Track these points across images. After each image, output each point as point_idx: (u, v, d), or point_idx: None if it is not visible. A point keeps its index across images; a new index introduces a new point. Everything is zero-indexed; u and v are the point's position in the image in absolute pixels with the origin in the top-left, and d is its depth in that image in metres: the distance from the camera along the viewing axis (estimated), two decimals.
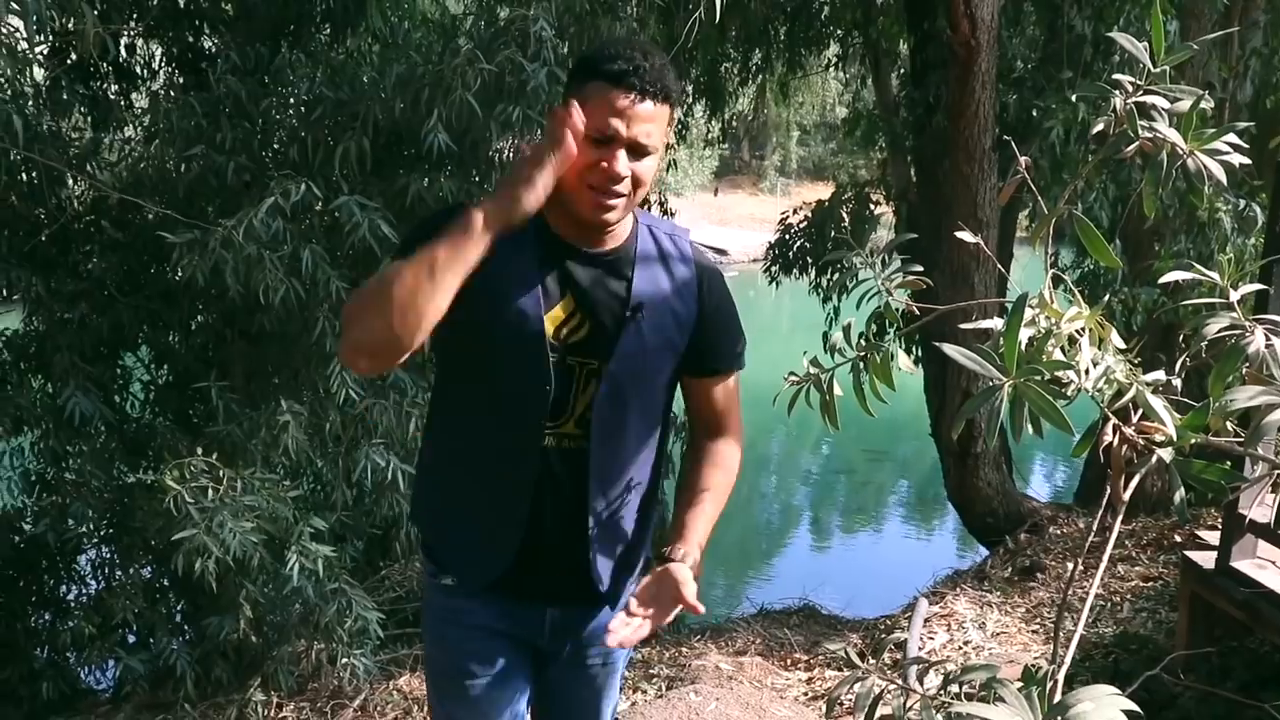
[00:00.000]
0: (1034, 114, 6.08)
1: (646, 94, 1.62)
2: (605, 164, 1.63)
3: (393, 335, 1.56)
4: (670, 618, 1.69)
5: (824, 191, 8.69)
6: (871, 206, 8.09)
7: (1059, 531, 6.17)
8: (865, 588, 7.54)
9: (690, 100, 9.31)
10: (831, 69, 10.82)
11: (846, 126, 10.00)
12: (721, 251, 27.15)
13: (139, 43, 4.86)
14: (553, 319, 1.74)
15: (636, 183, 1.67)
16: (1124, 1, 5.92)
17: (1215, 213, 5.46)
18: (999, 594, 5.17)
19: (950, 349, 1.16)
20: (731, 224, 29.07)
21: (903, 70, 8.20)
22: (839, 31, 8.90)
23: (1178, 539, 5.17)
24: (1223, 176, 1.19)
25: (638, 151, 1.65)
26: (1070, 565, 4.23)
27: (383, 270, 1.64)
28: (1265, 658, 3.36)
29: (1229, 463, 1.94)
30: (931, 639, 4.49)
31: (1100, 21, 6.01)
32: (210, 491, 3.70)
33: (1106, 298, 1.76)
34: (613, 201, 1.66)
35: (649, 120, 1.64)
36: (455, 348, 1.80)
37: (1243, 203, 5.50)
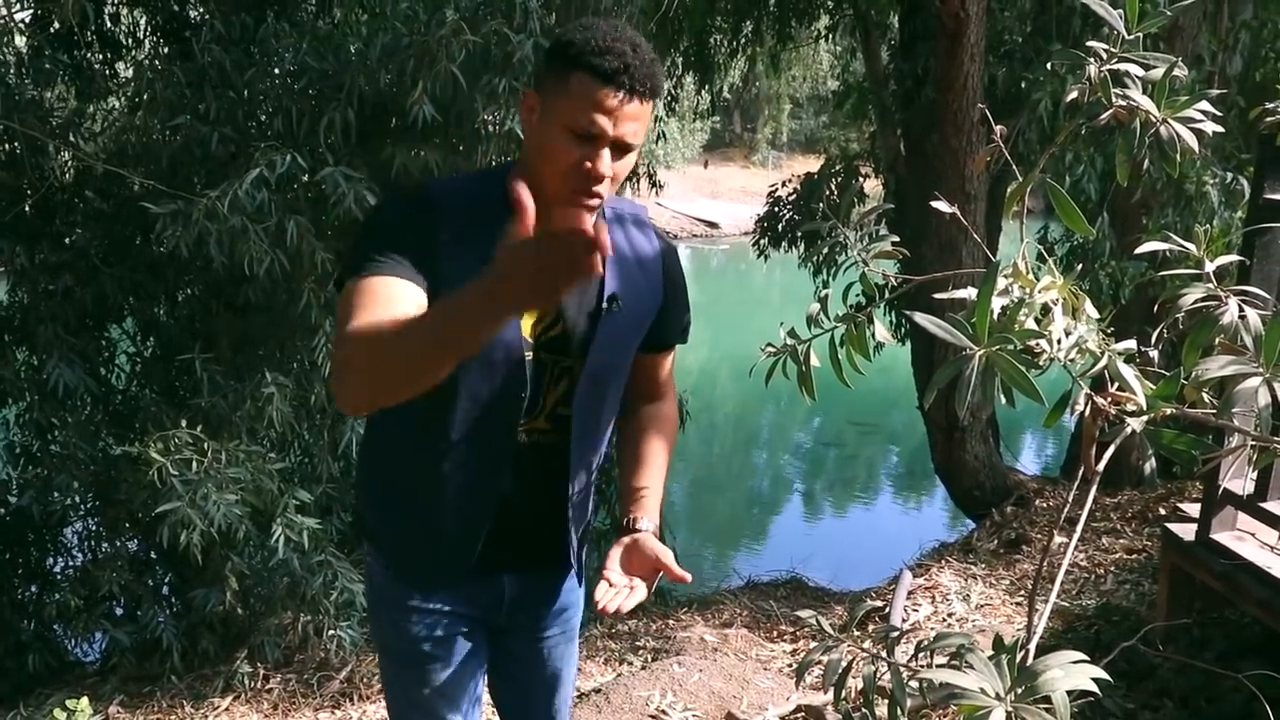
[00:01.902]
0: (1023, 86, 6.06)
1: (636, 93, 1.53)
2: (589, 164, 1.54)
3: (383, 395, 1.45)
4: (654, 585, 1.69)
5: (816, 164, 8.64)
6: (861, 179, 8.07)
7: (1045, 504, 6.20)
8: (854, 560, 7.57)
9: (679, 72, 9.26)
10: (822, 41, 10.80)
11: (837, 99, 9.98)
12: (713, 225, 27.14)
13: (123, 11, 4.82)
14: (528, 317, 1.67)
15: (613, 180, 1.60)
16: None
17: (1203, 186, 5.45)
18: (984, 566, 5.20)
19: (921, 318, 1.16)
20: (723, 197, 29.03)
21: (893, 42, 8.17)
22: (829, 2, 8.86)
23: (1162, 512, 5.19)
24: (1194, 145, 1.19)
25: (621, 150, 1.57)
26: (1047, 537, 4.27)
27: (369, 317, 1.46)
28: (1244, 629, 3.38)
29: (1209, 435, 1.95)
30: (916, 611, 4.52)
31: None
32: (194, 464, 3.70)
33: (1079, 267, 1.77)
34: (592, 202, 1.58)
35: (636, 119, 1.55)
36: None
37: (1230, 176, 5.50)
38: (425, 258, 1.57)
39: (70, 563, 4.74)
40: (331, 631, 4.18)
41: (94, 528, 4.65)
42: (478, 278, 1.28)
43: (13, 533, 4.52)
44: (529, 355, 1.68)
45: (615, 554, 1.69)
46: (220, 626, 4.38)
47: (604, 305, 1.71)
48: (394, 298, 1.52)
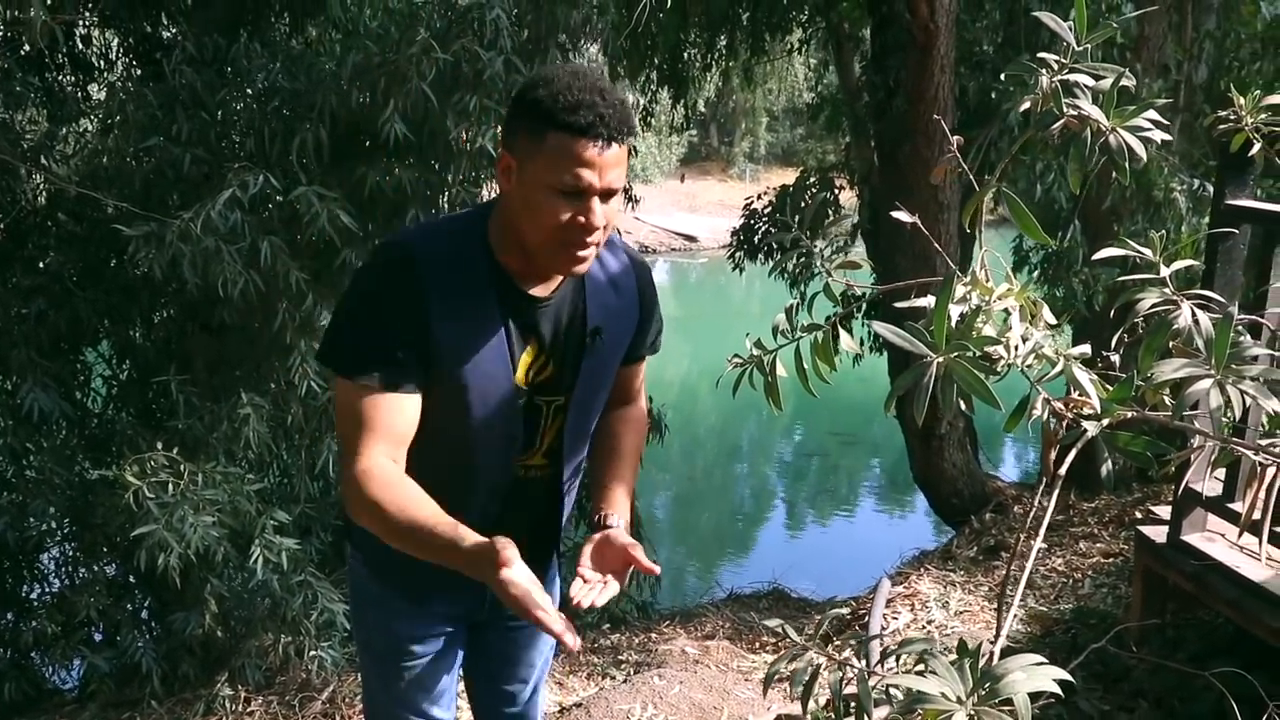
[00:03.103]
0: (993, 96, 6.12)
1: (614, 140, 1.54)
2: (583, 218, 1.55)
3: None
4: (625, 579, 1.72)
5: (794, 176, 8.69)
6: (836, 190, 8.11)
7: (1023, 511, 6.23)
8: (836, 570, 7.60)
9: (654, 86, 9.30)
10: (795, 54, 10.86)
11: (812, 111, 10.03)
12: (691, 238, 27.18)
13: (95, 33, 4.82)
14: (520, 366, 1.72)
15: (605, 227, 1.61)
16: None
17: (1170, 193, 5.53)
18: (963, 573, 5.22)
19: (880, 326, 1.18)
20: (701, 210, 29.09)
21: (865, 54, 8.22)
22: (802, 15, 8.91)
23: (1138, 515, 5.23)
24: (1143, 153, 1.21)
25: (607, 196, 1.58)
26: (1016, 541, 4.28)
27: (381, 490, 1.61)
28: (1216, 629, 3.41)
29: (1177, 437, 1.98)
30: (895, 619, 4.53)
31: (1056, 5, 6.05)
32: (171, 486, 3.69)
33: (1036, 274, 1.79)
34: (587, 253, 1.61)
35: (617, 165, 1.56)
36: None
37: (1197, 183, 5.58)
38: (419, 339, 1.62)
39: (47, 589, 4.69)
40: (313, 652, 4.16)
41: (71, 553, 4.60)
42: (469, 548, 1.52)
43: None
44: (521, 401, 1.74)
45: (587, 551, 1.72)
46: (200, 650, 4.35)
47: (588, 340, 1.76)
48: (396, 424, 1.63)
